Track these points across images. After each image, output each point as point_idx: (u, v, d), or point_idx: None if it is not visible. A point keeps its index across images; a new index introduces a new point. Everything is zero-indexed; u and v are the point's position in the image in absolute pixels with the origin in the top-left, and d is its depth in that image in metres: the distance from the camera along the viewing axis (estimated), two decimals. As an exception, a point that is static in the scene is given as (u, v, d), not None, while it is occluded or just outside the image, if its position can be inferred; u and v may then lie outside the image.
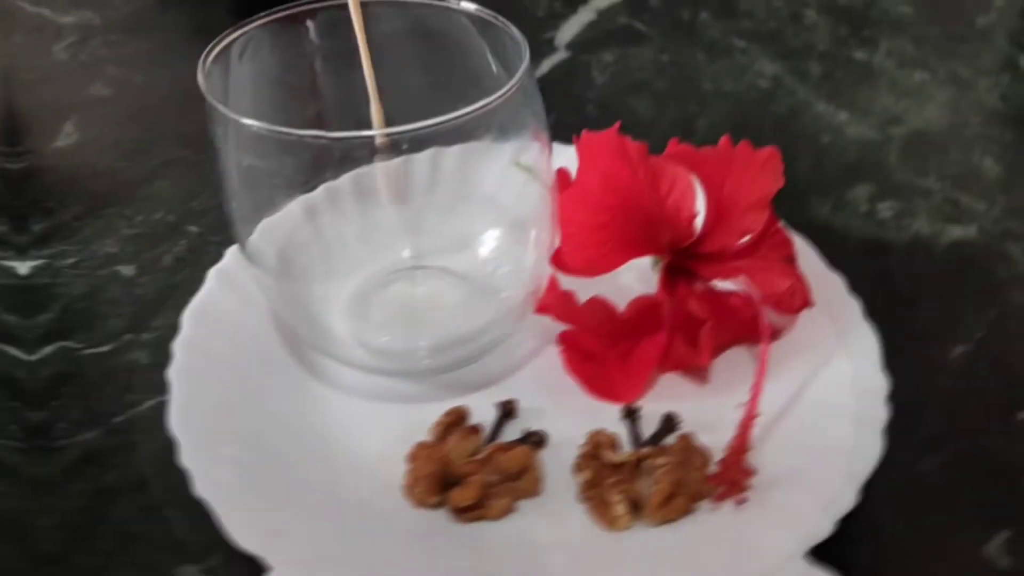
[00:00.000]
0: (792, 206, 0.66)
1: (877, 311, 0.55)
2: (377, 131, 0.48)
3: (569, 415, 0.51)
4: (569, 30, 0.95)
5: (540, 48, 0.91)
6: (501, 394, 0.52)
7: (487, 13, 0.51)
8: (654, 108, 0.82)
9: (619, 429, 0.51)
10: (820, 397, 0.51)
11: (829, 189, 0.71)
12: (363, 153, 0.49)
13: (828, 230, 0.67)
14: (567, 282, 0.53)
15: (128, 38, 0.92)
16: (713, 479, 0.46)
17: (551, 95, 0.50)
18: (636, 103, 0.82)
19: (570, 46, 0.92)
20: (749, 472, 0.46)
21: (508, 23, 0.50)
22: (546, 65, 0.88)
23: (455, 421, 0.50)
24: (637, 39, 0.93)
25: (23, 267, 0.64)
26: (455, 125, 0.44)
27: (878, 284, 0.61)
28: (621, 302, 0.53)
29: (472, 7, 0.52)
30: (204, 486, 0.45)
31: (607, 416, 0.52)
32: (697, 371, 0.54)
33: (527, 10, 0.98)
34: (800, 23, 0.96)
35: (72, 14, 0.96)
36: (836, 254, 0.59)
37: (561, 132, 0.57)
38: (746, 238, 0.55)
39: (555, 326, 0.54)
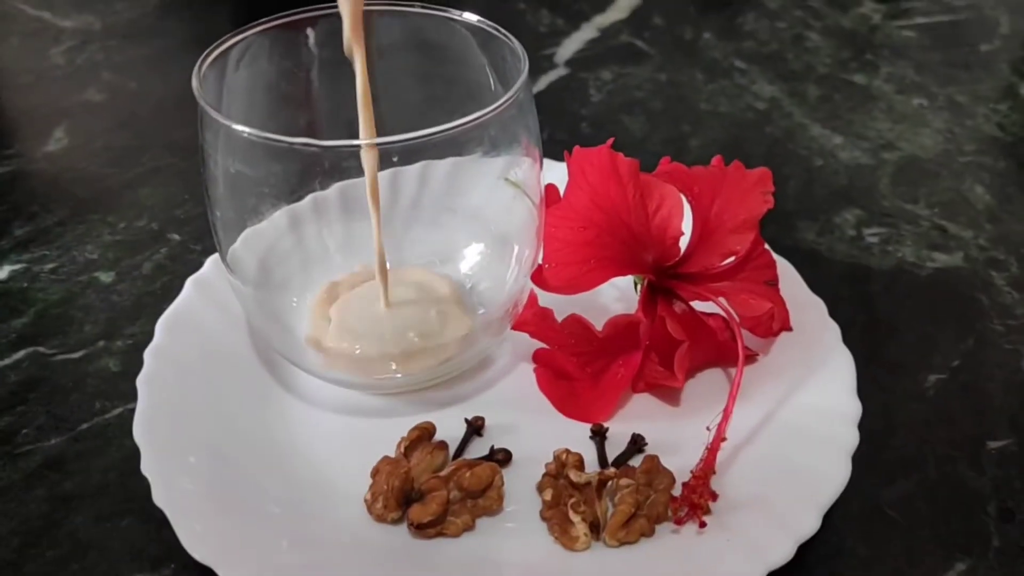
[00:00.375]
0: (779, 229, 0.66)
1: (855, 336, 0.55)
2: (367, 140, 0.48)
3: (538, 433, 0.51)
4: (570, 47, 0.95)
5: (539, 64, 0.91)
6: (472, 410, 0.52)
7: (489, 24, 0.51)
8: (648, 126, 0.82)
9: (588, 448, 0.50)
10: (790, 421, 0.50)
11: (817, 213, 0.70)
12: (352, 163, 0.48)
13: (813, 254, 0.66)
14: (546, 299, 0.53)
15: (126, 44, 0.93)
16: (676, 501, 0.46)
17: (546, 111, 0.50)
18: (630, 121, 0.82)
19: (570, 63, 0.92)
20: (713, 495, 0.46)
21: (510, 36, 0.50)
22: (543, 81, 0.88)
23: (421, 436, 0.49)
24: (637, 57, 0.93)
25: (1, 272, 0.64)
26: (447, 137, 0.44)
27: (859, 310, 0.61)
28: (599, 320, 0.52)
29: (474, 18, 0.51)
30: (162, 494, 0.45)
31: (577, 435, 0.51)
32: (669, 392, 0.53)
33: (529, 26, 0.98)
34: (802, 45, 0.95)
35: (73, 18, 0.96)
36: (819, 278, 0.58)
37: (554, 148, 0.57)
38: (730, 259, 0.54)
39: (531, 343, 0.54)
